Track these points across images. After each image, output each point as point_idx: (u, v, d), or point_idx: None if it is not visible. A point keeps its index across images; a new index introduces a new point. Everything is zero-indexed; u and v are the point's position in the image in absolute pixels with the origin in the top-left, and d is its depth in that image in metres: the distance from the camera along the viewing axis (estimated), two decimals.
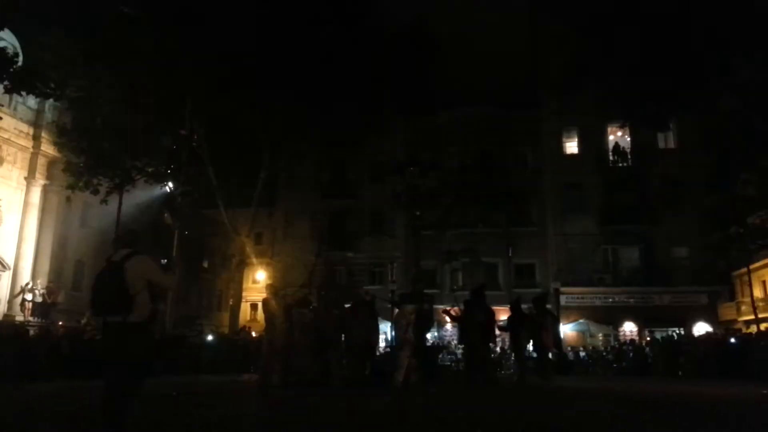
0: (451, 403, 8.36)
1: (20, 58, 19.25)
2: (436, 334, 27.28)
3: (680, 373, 18.73)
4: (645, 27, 23.88)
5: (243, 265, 27.99)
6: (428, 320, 13.94)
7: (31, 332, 16.63)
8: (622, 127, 29.61)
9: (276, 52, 22.83)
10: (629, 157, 29.88)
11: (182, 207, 21.73)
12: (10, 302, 23.82)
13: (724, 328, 25.03)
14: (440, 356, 22.08)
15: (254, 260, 29.41)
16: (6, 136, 23.71)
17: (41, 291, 23.24)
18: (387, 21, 26.79)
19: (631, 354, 22.08)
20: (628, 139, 30.03)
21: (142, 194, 24.96)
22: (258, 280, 32.50)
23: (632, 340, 24.83)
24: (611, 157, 30.06)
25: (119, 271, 5.10)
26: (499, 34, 31.37)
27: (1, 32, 17.84)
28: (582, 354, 24.18)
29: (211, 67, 21.95)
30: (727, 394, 10.63)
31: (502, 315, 29.37)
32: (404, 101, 28.63)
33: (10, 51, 17.82)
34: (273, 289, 11.92)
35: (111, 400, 5.05)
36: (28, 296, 22.94)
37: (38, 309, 22.81)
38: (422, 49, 28.33)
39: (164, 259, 7.84)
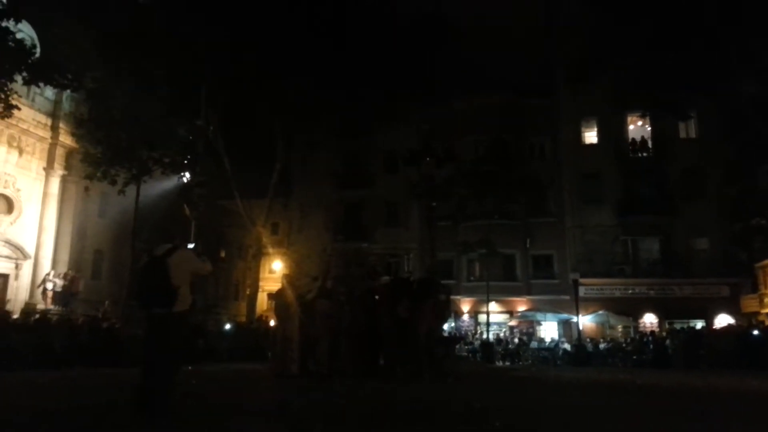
0: (469, 394, 8.27)
1: (38, 50, 19.39)
2: (453, 325, 27.22)
3: (701, 365, 18.45)
4: (665, 13, 23.46)
5: (259, 255, 28.13)
6: (445, 311, 13.79)
7: (52, 321, 16.81)
8: (642, 116, 29.17)
9: (291, 41, 22.76)
10: (649, 146, 29.42)
11: (199, 197, 21.82)
12: (31, 291, 24.15)
13: (747, 320, 24.63)
14: (457, 347, 22.06)
15: (270, 250, 29.53)
16: (25, 127, 23.92)
17: (61, 280, 23.49)
18: (403, 8, 26.57)
19: (651, 346, 21.81)
20: (649, 128, 29.54)
21: (159, 185, 25.08)
22: (274, 270, 32.63)
23: (652, 332, 24.55)
24: (631, 147, 29.61)
25: (163, 265, 5.42)
26: (517, 21, 30.91)
27: (19, 24, 17.88)
28: (601, 345, 23.95)
29: (226, 58, 21.95)
30: (747, 387, 10.43)
31: (520, 306, 29.50)
32: (420, 90, 28.41)
33: (28, 43, 17.93)
34: (289, 279, 11.90)
35: (149, 387, 5.27)
36: (49, 285, 23.21)
37: (59, 298, 23.08)
38: (438, 36, 28.09)
39: (191, 244, 7.93)
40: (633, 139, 29.78)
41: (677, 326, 24.80)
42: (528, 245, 29.87)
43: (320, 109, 25.65)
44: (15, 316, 17.60)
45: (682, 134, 29.44)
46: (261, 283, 29.81)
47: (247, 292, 28.41)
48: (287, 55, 22.88)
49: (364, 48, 24.50)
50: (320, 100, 24.91)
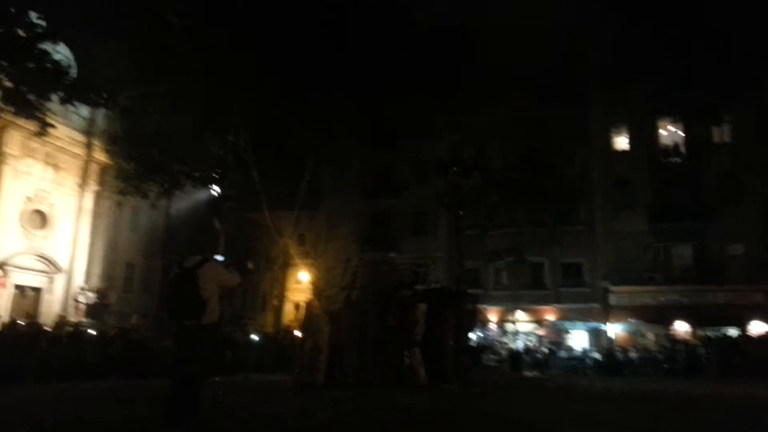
0: (494, 405, 8.22)
1: (73, 70, 19.97)
2: (480, 334, 27.01)
3: (737, 374, 17.97)
4: (699, 17, 23.13)
5: (286, 266, 28.37)
6: (471, 320, 13.73)
7: (85, 333, 17.16)
8: (674, 121, 28.67)
9: (319, 55, 23.01)
10: (682, 152, 28.88)
11: (228, 210, 22.14)
12: (64, 304, 24.71)
13: None
14: (484, 357, 21.88)
15: (297, 261, 29.76)
16: (60, 144, 24.58)
17: (93, 293, 23.98)
18: (430, 19, 26.69)
19: (683, 354, 21.34)
20: (681, 133, 29.02)
21: (188, 198, 25.51)
22: (301, 281, 32.84)
23: (684, 340, 24.02)
24: (663, 153, 29.11)
25: (193, 277, 5.48)
26: (546, 29, 30.69)
27: (56, 46, 18.48)
28: (632, 355, 23.52)
29: (255, 75, 22.29)
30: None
31: (548, 314, 29.12)
32: (448, 100, 28.44)
33: (65, 63, 18.50)
34: (317, 290, 12.00)
35: (178, 396, 5.29)
36: (82, 298, 23.72)
37: (91, 311, 23.56)
38: (466, 46, 28.10)
39: (220, 256, 8.09)
40: (665, 144, 29.28)
41: (710, 334, 24.21)
42: (557, 253, 29.53)
43: (349, 122, 25.85)
44: (48, 329, 18.01)
45: (716, 139, 28.85)
46: (288, 294, 30.02)
47: (274, 303, 28.66)
48: (316, 68, 23.14)
49: (393, 59, 24.67)
50: (349, 114, 25.11)
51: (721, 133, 28.77)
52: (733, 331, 24.73)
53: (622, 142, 30.38)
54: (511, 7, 26.65)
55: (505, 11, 27.64)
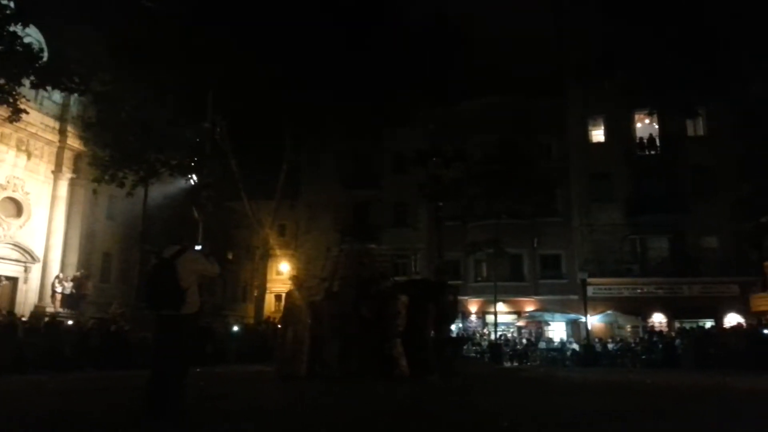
0: (473, 396, 8.23)
1: (45, 54, 19.47)
2: (460, 325, 27.15)
3: (712, 365, 18.30)
4: (674, 11, 23.32)
5: (267, 256, 28.17)
6: (452, 312, 13.75)
7: (62, 324, 16.86)
8: (650, 114, 28.99)
9: (298, 44, 22.76)
10: (657, 145, 29.24)
11: (206, 199, 21.85)
12: (40, 294, 24.26)
13: (757, 319, 24.42)
14: (465, 348, 21.99)
15: (278, 252, 29.56)
16: (33, 130, 24.04)
17: (70, 283, 23.59)
18: (409, 10, 26.56)
19: (660, 346, 21.68)
20: (656, 126, 29.37)
21: (166, 187, 25.15)
22: (282, 272, 32.67)
23: (661, 332, 24.40)
24: (639, 146, 29.44)
25: (172, 267, 5.45)
26: (523, 20, 30.81)
27: (27, 29, 17.98)
28: (610, 345, 23.83)
29: (232, 63, 21.99)
30: (762, 386, 10.33)
31: (528, 306, 29.39)
32: (427, 91, 28.37)
33: (36, 47, 18.03)
34: (297, 280, 11.91)
35: (158, 388, 5.23)
36: (58, 288, 23.31)
37: (68, 300, 23.18)
38: (445, 38, 28.02)
39: (198, 245, 7.99)
40: (641, 137, 29.61)
41: (686, 326, 24.64)
42: (536, 245, 29.76)
43: (328, 111, 25.66)
44: (24, 320, 17.67)
45: (690, 132, 29.26)
46: (268, 285, 29.83)
47: (255, 294, 28.46)
48: (294, 57, 22.89)
49: (373, 50, 24.47)
50: (328, 103, 24.91)
51: (695, 126, 29.18)
52: (708, 323, 25.19)
53: (598, 135, 30.65)
54: (489, 1, 26.66)
55: (483, 4, 27.65)
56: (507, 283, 28.47)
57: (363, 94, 25.00)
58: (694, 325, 24.27)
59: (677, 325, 25.87)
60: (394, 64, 25.15)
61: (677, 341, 21.65)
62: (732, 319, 25.51)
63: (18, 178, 23.88)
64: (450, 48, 28.65)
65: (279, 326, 14.77)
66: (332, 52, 23.58)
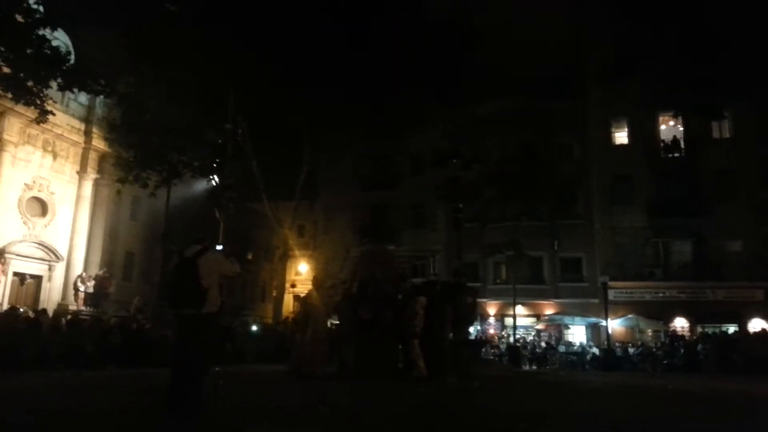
0: (491, 398, 8.21)
1: (72, 57, 19.85)
2: (479, 328, 27.05)
3: (735, 370, 18.01)
4: (697, 13, 23.03)
5: (286, 257, 28.33)
6: (472, 314, 13.70)
7: (84, 322, 17.14)
8: (675, 116, 28.58)
9: (316, 46, 22.87)
10: (681, 147, 28.82)
11: (227, 200, 22.05)
12: (63, 292, 24.69)
13: None
14: (483, 350, 21.89)
15: (297, 252, 29.72)
16: (59, 131, 24.48)
17: (93, 281, 23.96)
18: (429, 11, 26.52)
19: (682, 351, 21.38)
20: (681, 128, 28.95)
21: (188, 188, 25.44)
22: (300, 272, 32.82)
23: (683, 336, 24.06)
24: (662, 148, 29.04)
25: (193, 266, 5.50)
26: (545, 21, 30.58)
27: (55, 32, 18.35)
28: (631, 350, 23.56)
29: (253, 64, 22.18)
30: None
31: (547, 309, 29.15)
32: (446, 92, 28.29)
33: (63, 50, 18.37)
34: (317, 281, 12.00)
35: (178, 386, 5.28)
36: (81, 286, 23.69)
37: (90, 299, 23.55)
38: (464, 39, 27.93)
39: (219, 245, 8.17)
40: (664, 139, 29.22)
41: (709, 331, 24.27)
42: (556, 247, 29.49)
43: (347, 113, 25.75)
44: (48, 317, 17.95)
45: (716, 134, 28.81)
46: (287, 285, 30.02)
47: (274, 294, 28.65)
48: (313, 59, 23.01)
49: (391, 52, 24.49)
50: (347, 104, 25.00)
51: (720, 128, 28.72)
52: (731, 328, 24.78)
53: (621, 137, 30.31)
54: (511, 1, 26.54)
55: (505, 6, 27.53)
56: (526, 285, 28.30)
57: (381, 96, 25.03)
58: (717, 330, 23.92)
59: (699, 329, 25.50)
60: (411, 66, 25.14)
61: (699, 346, 21.33)
62: (756, 325, 25.03)
63: (44, 178, 24.33)
64: (468, 49, 28.55)
65: (293, 326, 14.91)
66: (351, 53, 23.65)
